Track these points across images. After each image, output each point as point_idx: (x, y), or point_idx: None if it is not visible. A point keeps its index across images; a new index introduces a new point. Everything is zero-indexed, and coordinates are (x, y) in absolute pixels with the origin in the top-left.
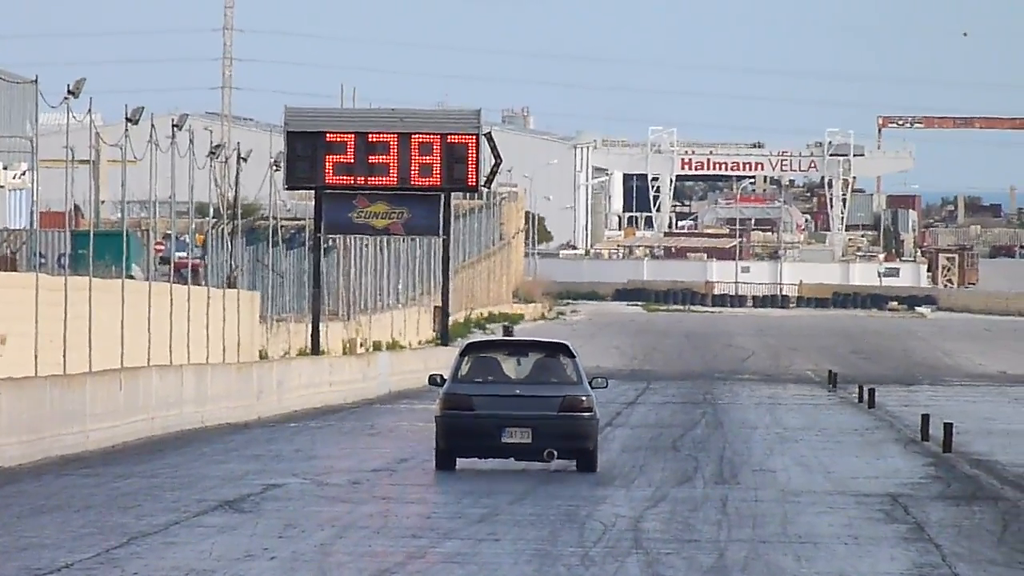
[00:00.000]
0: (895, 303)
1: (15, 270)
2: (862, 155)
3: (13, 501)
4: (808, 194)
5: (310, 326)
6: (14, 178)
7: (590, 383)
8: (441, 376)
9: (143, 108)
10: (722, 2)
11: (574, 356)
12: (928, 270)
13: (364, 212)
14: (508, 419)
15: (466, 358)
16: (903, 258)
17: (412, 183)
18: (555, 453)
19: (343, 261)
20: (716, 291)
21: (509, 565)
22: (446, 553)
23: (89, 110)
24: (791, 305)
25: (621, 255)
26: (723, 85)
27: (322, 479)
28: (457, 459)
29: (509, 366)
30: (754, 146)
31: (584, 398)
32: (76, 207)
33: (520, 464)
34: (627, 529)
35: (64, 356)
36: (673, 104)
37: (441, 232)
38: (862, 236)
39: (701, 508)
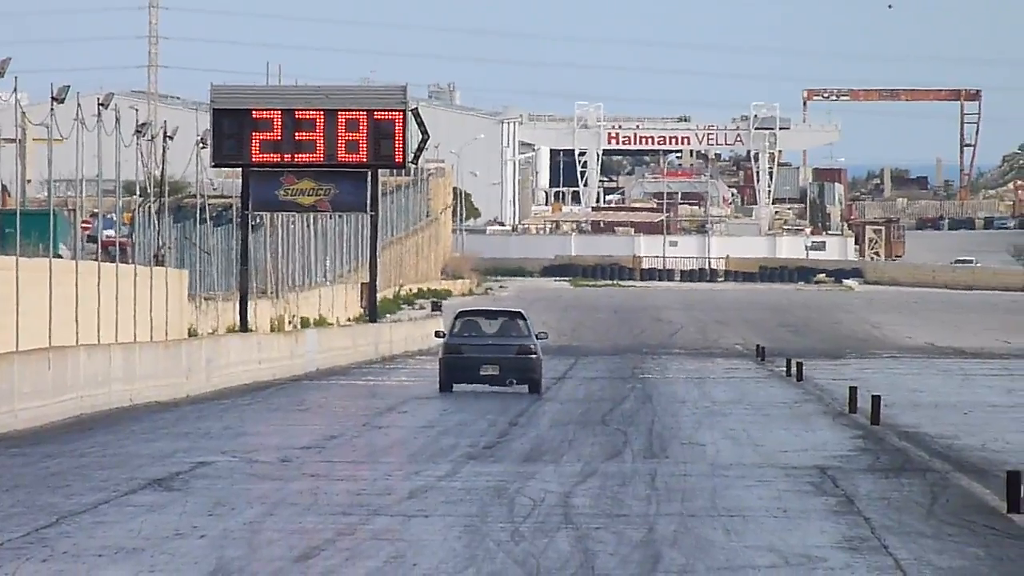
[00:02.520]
0: (822, 276)
1: None
2: (788, 128)
3: None
4: (735, 168)
5: (238, 304)
6: None
7: (536, 336)
8: (442, 331)
9: (69, 87)
10: None
11: (526, 319)
12: (855, 243)
13: (291, 189)
14: (484, 359)
15: (457, 320)
16: (830, 231)
17: (339, 160)
18: (514, 381)
19: (271, 238)
20: (644, 266)
21: (439, 542)
22: (376, 530)
23: (14, 89)
24: (719, 279)
25: (549, 230)
26: (649, 59)
27: (251, 456)
28: (453, 385)
29: (484, 325)
30: (680, 120)
31: (532, 346)
32: (3, 186)
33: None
34: (557, 504)
35: None
36: (599, 79)
37: (368, 208)
38: (789, 209)
39: (630, 483)
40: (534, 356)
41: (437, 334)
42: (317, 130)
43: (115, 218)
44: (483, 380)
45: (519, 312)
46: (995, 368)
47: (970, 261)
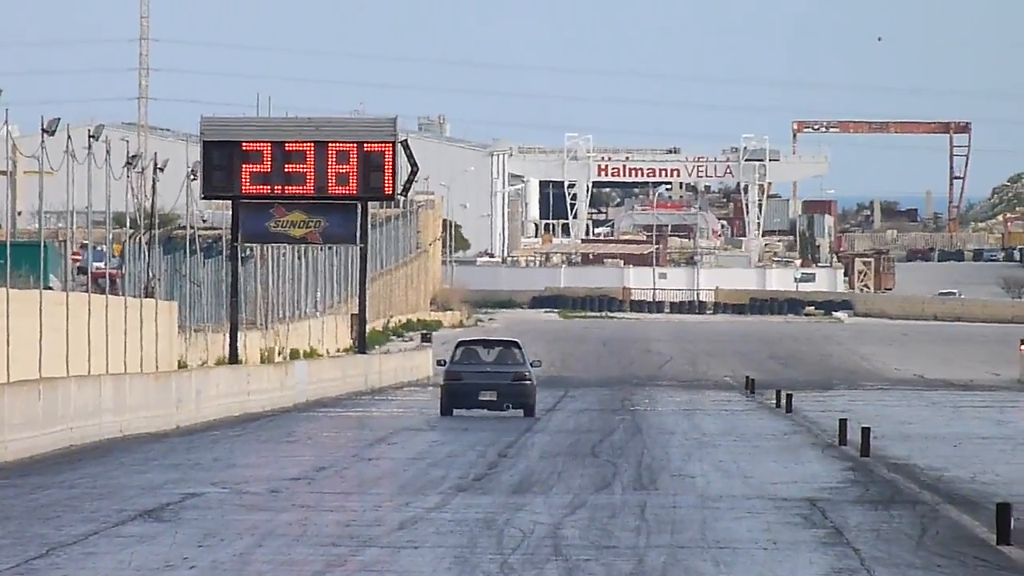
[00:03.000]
0: (812, 308)
1: None
2: (777, 160)
3: None
4: (724, 200)
5: (228, 335)
6: None
7: (530, 364)
8: (443, 360)
9: (59, 119)
10: (636, 9)
11: (521, 348)
12: (844, 275)
13: (281, 221)
14: (482, 385)
15: (458, 349)
16: (819, 263)
17: (329, 192)
18: (510, 406)
19: (261, 270)
20: (633, 297)
21: (428, 573)
22: (365, 561)
23: (5, 121)
24: (708, 311)
25: (538, 262)
26: (638, 91)
27: (241, 488)
28: (453, 410)
29: (483, 354)
30: (670, 152)
31: (527, 373)
32: None
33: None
34: (546, 536)
35: None
36: (589, 111)
37: (358, 240)
38: (778, 241)
39: (620, 514)
40: (529, 383)
41: (439, 362)
42: (307, 162)
43: (105, 250)
44: (481, 405)
45: (515, 341)
46: (985, 400)
47: (953, 293)
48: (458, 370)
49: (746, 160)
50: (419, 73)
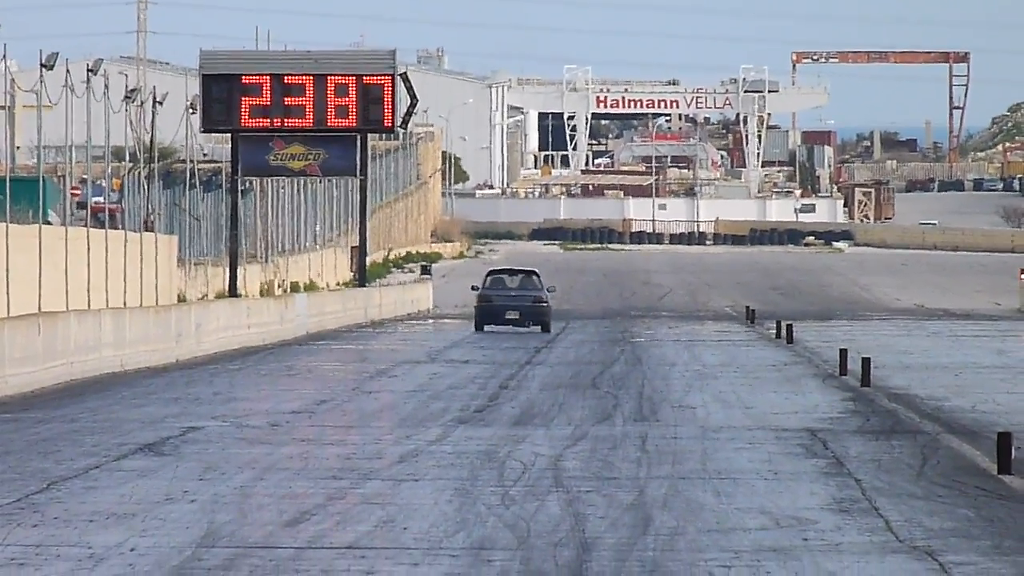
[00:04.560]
0: (812, 239)
1: None
2: (777, 91)
3: None
4: (723, 131)
5: (228, 269)
6: None
7: (547, 290)
8: (476, 285)
9: (57, 54)
10: None
11: (539, 276)
12: (844, 205)
13: (281, 154)
14: (508, 307)
15: (488, 277)
16: (819, 194)
17: (328, 124)
18: (530, 322)
19: (260, 203)
20: (633, 229)
21: (429, 505)
22: (366, 494)
23: (3, 56)
24: (708, 242)
25: (538, 194)
26: (637, 23)
27: (241, 421)
28: (484, 326)
29: (508, 281)
30: (669, 84)
31: (544, 297)
32: None
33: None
34: (547, 468)
35: None
36: (588, 42)
37: (358, 173)
38: (778, 172)
39: (621, 446)
40: (545, 304)
41: (473, 287)
42: (306, 95)
43: (104, 184)
44: (507, 322)
45: (534, 271)
46: (985, 329)
47: (933, 223)
48: (488, 294)
49: (745, 91)
50: (417, 6)
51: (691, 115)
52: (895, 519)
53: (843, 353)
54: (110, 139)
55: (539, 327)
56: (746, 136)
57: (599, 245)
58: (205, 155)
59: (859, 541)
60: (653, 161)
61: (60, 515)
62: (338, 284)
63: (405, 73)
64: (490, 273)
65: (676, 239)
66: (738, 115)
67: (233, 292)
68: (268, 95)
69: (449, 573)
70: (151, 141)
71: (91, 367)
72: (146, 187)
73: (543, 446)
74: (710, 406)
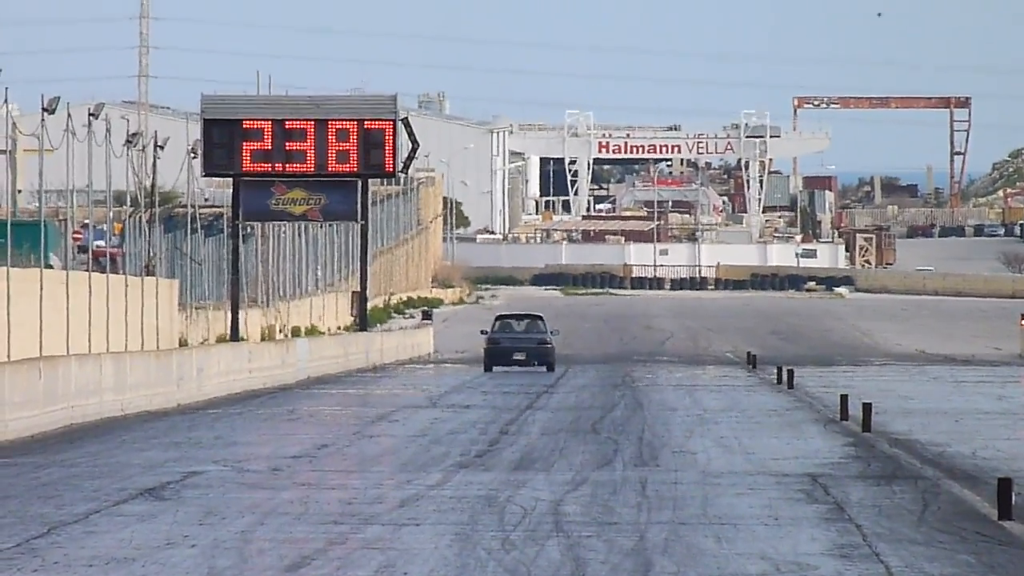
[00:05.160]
0: (813, 284)
1: None
2: (778, 136)
3: None
4: (725, 176)
5: (229, 313)
6: None
7: (550, 333)
8: (485, 330)
9: (59, 97)
10: None
11: (543, 320)
12: (846, 251)
13: (282, 199)
14: (515, 348)
15: (497, 321)
16: (820, 239)
17: (329, 169)
18: (536, 363)
19: (262, 248)
20: (635, 274)
21: (430, 550)
22: (367, 539)
23: (5, 100)
24: (709, 287)
25: (539, 239)
26: (639, 68)
27: (242, 466)
28: (493, 367)
29: (515, 325)
30: (671, 129)
31: (548, 339)
32: None
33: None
34: (547, 512)
35: None
36: (589, 87)
37: (359, 218)
38: (779, 217)
39: (621, 491)
40: (550, 346)
41: (482, 332)
42: (308, 140)
43: (106, 228)
44: (515, 363)
45: (539, 316)
46: (986, 375)
47: (930, 269)
48: (497, 337)
49: (747, 136)
50: (419, 51)
51: (693, 160)
52: (896, 565)
53: (844, 398)
54: (111, 183)
55: (544, 367)
56: (747, 181)
57: (600, 290)
58: (206, 199)
59: None
60: (655, 206)
61: (60, 560)
62: (339, 329)
63: (406, 118)
64: (498, 318)
65: (677, 284)
66: (739, 160)
67: (235, 336)
68: (269, 140)
69: None
70: (152, 185)
71: (92, 411)
72: (147, 231)
73: (543, 491)
74: (711, 451)
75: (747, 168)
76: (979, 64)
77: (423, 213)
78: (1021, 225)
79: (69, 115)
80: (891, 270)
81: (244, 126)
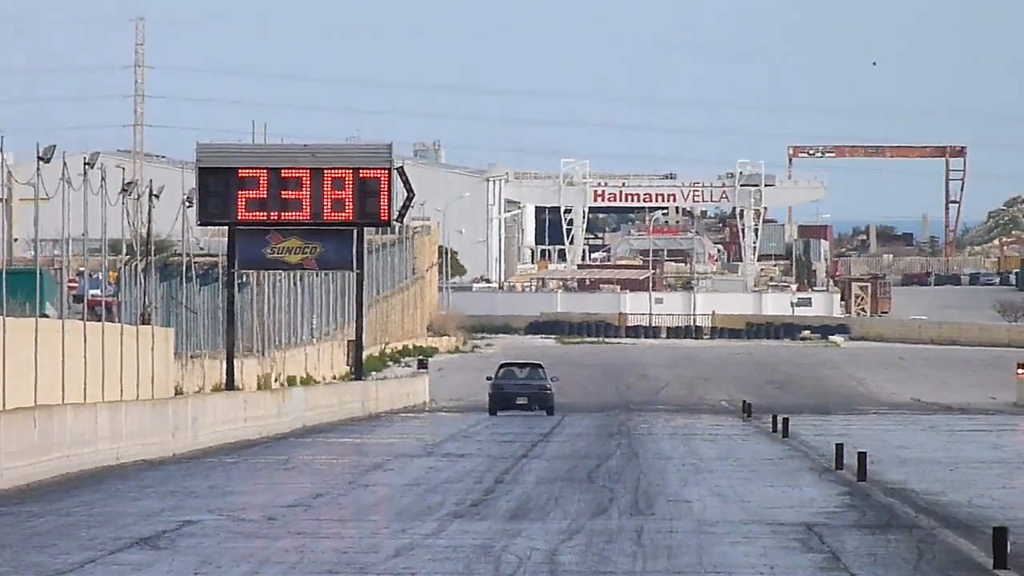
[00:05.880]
0: (808, 332)
1: None
2: (773, 185)
3: None
4: (720, 225)
5: (225, 362)
6: None
7: (550, 379)
8: (490, 376)
9: (55, 146)
10: (630, 33)
11: (543, 368)
12: (841, 299)
13: (277, 248)
14: (518, 394)
15: (501, 369)
16: (816, 288)
17: (325, 218)
18: (536, 407)
19: (257, 297)
20: (630, 323)
21: None
22: None
23: (0, 148)
24: (705, 336)
25: (535, 288)
26: (634, 117)
27: (237, 515)
28: (497, 411)
29: (517, 372)
30: (666, 177)
31: (548, 386)
32: None
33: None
34: (542, 562)
35: None
36: (585, 136)
37: (355, 266)
38: (775, 266)
39: (616, 540)
40: (549, 391)
41: (487, 378)
42: (303, 188)
43: (101, 277)
44: (517, 407)
45: (539, 364)
46: (981, 424)
47: (923, 318)
48: (501, 383)
49: (742, 185)
50: (414, 99)
51: (688, 209)
52: None
53: (839, 447)
54: (107, 232)
55: (544, 411)
56: (743, 230)
57: (596, 339)
58: (202, 248)
59: None
60: (650, 255)
61: None
62: (335, 377)
63: (402, 167)
64: (502, 366)
65: (672, 333)
66: (735, 209)
67: (230, 385)
68: (264, 188)
69: None
70: (148, 234)
71: (87, 460)
72: (143, 280)
73: (539, 540)
74: (706, 500)
75: (742, 217)
76: (974, 113)
77: (419, 262)
78: (1016, 274)
79: (65, 164)
80: (886, 319)
81: (239, 175)
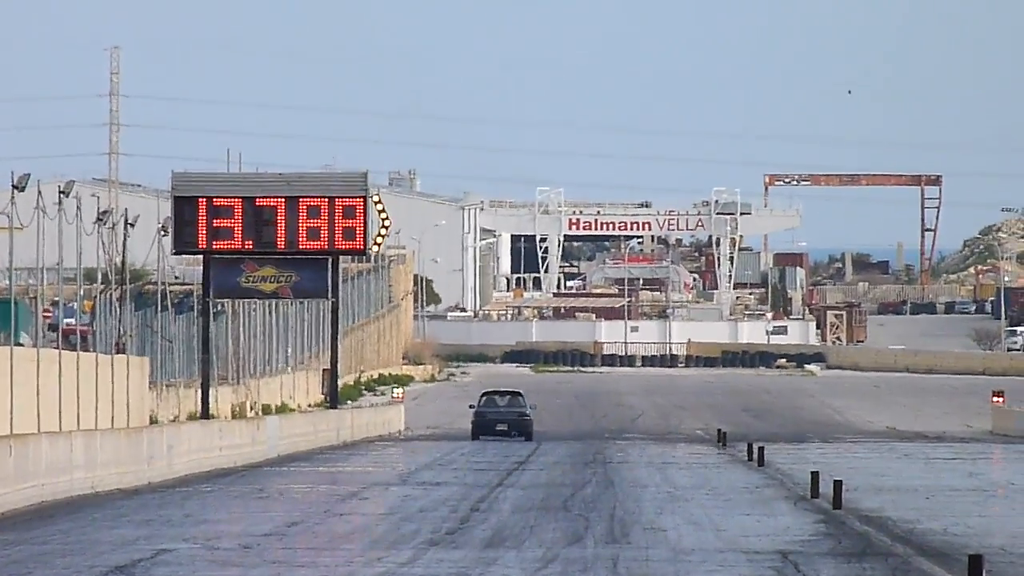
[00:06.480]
0: (784, 361)
1: None
2: (749, 214)
3: None
4: (696, 253)
5: (200, 391)
6: None
7: (529, 407)
8: (473, 404)
9: (29, 175)
10: (604, 62)
11: (523, 395)
12: (817, 328)
13: (252, 276)
14: (498, 420)
15: (482, 397)
16: (791, 316)
17: (300, 247)
18: (516, 433)
19: (232, 325)
20: (605, 351)
21: None
22: None
23: None
24: (680, 364)
25: (510, 316)
26: (609, 145)
27: (212, 544)
28: (479, 436)
29: (498, 400)
30: (641, 206)
31: (527, 413)
32: None
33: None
34: None
35: None
36: (560, 165)
37: (330, 295)
38: (750, 294)
39: (592, 568)
40: (528, 418)
41: (470, 406)
42: (278, 217)
43: (76, 306)
44: (497, 434)
45: (519, 392)
46: (957, 452)
47: (900, 347)
48: (483, 411)
49: (717, 214)
50: (389, 128)
51: (663, 237)
52: None
53: (815, 475)
54: (82, 261)
55: (523, 437)
56: (718, 258)
57: (571, 368)
58: (177, 277)
59: None
60: (625, 283)
61: None
62: (310, 406)
63: (377, 195)
64: (484, 394)
65: (648, 361)
66: (710, 237)
67: (205, 414)
68: (239, 217)
69: None
70: (123, 263)
71: (62, 489)
72: (118, 309)
73: (514, 569)
74: (681, 528)
75: (718, 245)
76: (950, 142)
77: (394, 290)
78: (992, 302)
79: (39, 193)
80: (862, 347)
81: (215, 203)
